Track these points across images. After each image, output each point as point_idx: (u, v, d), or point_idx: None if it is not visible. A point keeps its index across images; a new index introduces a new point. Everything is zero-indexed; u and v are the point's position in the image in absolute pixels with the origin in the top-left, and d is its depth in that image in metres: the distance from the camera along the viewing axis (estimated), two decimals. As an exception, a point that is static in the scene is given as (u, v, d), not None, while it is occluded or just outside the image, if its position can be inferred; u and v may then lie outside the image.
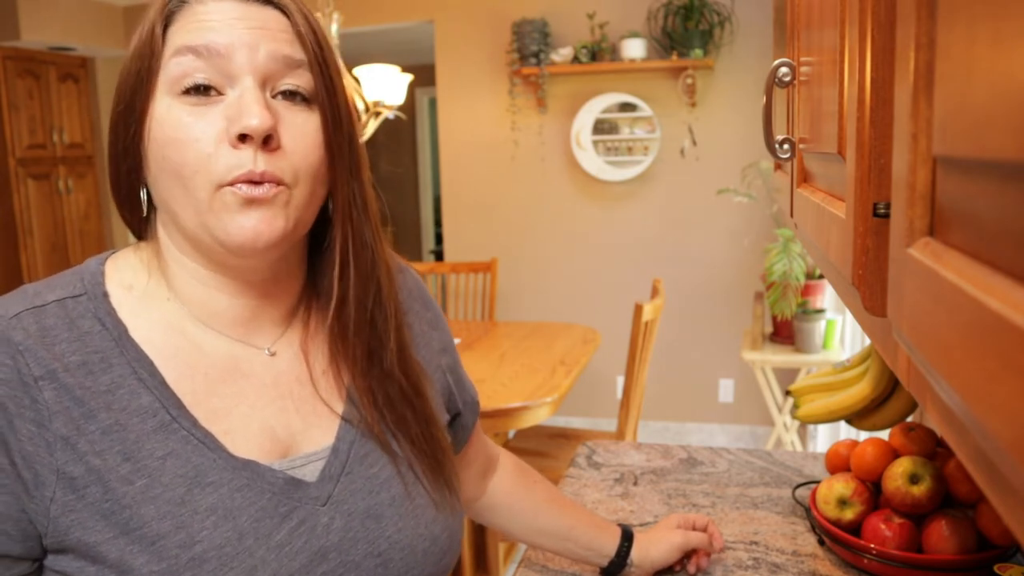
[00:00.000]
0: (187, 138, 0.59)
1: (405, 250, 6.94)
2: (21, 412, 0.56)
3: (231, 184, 0.59)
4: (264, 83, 0.61)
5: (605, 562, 0.96)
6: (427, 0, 3.78)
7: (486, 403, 2.04)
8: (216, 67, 0.59)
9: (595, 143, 3.58)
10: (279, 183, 0.60)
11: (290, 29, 0.62)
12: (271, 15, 0.62)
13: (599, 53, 3.49)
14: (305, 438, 0.67)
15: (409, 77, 2.81)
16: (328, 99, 0.63)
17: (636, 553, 0.97)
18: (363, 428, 0.69)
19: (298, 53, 0.62)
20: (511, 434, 2.87)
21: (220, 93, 0.60)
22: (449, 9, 3.76)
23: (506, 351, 2.59)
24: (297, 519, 0.63)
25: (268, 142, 0.59)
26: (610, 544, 0.96)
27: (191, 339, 0.65)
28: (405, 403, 0.71)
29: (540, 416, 2.08)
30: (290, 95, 0.62)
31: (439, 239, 6.85)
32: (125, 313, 0.63)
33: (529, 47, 3.52)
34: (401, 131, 6.67)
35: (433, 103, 6.45)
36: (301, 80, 0.62)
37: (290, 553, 0.62)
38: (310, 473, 0.66)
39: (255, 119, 0.58)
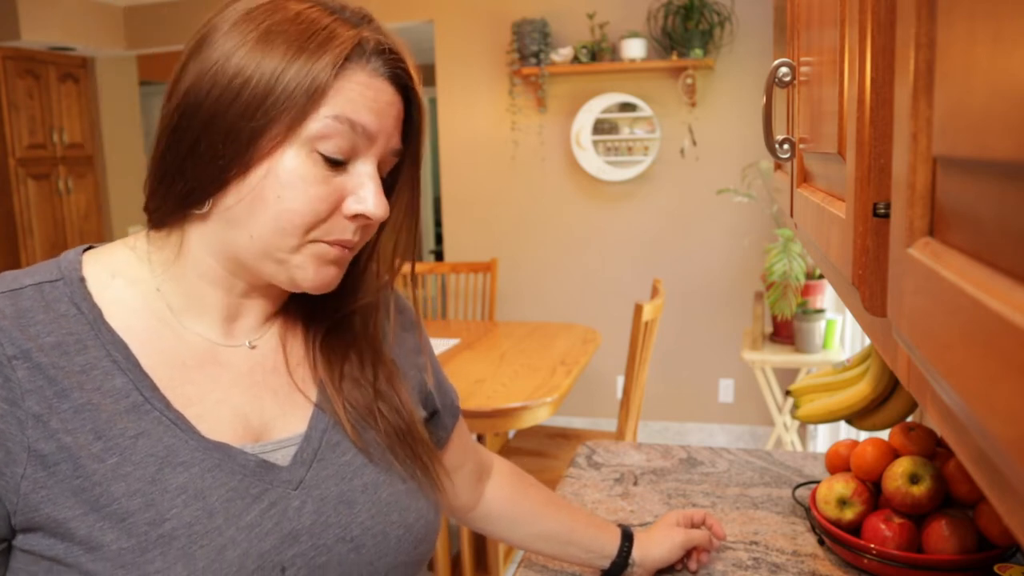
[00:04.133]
0: (310, 195, 0.62)
1: (405, 250, 6.93)
2: None
3: (328, 243, 0.64)
4: (379, 168, 0.66)
5: (607, 563, 0.96)
6: (427, 0, 3.78)
7: (486, 403, 2.04)
8: (357, 144, 0.63)
9: (595, 143, 3.57)
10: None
11: (402, 117, 0.67)
12: (399, 103, 0.66)
13: (599, 53, 3.49)
14: (278, 425, 0.69)
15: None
16: (410, 186, 0.71)
17: (637, 552, 0.96)
18: (336, 417, 0.71)
19: (399, 144, 0.67)
20: (511, 434, 2.87)
21: (345, 162, 0.63)
22: (449, 9, 3.75)
23: (506, 351, 2.59)
24: (268, 501, 0.64)
25: None
26: (611, 545, 0.96)
27: (172, 327, 0.66)
28: (377, 397, 0.74)
29: (540, 416, 2.08)
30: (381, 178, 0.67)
31: (439, 239, 6.84)
32: (105, 298, 0.64)
33: (529, 47, 3.52)
34: (401, 131, 6.66)
35: (433, 103, 6.42)
36: (392, 166, 0.69)
37: (260, 534, 0.62)
38: (282, 458, 0.67)
39: (378, 210, 0.64)
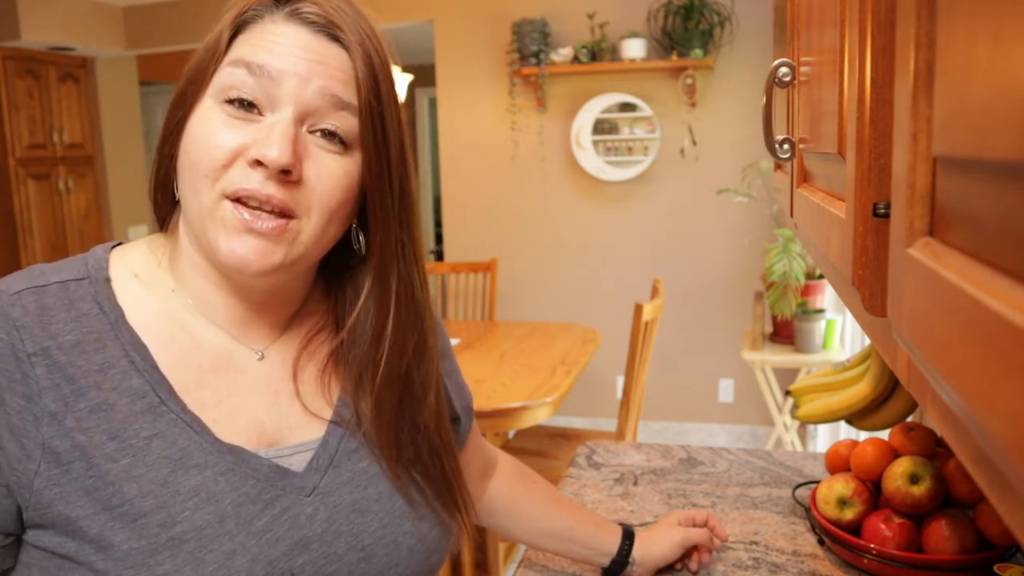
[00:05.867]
0: (211, 143, 0.60)
1: (405, 250, 6.93)
2: (12, 386, 0.57)
3: (233, 199, 0.60)
4: (304, 117, 0.61)
5: (607, 561, 0.96)
6: (427, 0, 3.78)
7: (486, 403, 2.04)
8: (263, 88, 0.60)
9: (595, 143, 3.57)
10: (289, 215, 0.61)
11: (350, 70, 0.63)
12: (334, 52, 0.62)
13: (599, 53, 3.49)
14: (295, 431, 0.68)
15: (409, 77, 2.81)
16: (373, 147, 0.64)
17: (638, 551, 0.97)
18: (353, 428, 0.70)
19: (349, 96, 0.62)
20: (511, 434, 2.87)
21: (261, 113, 0.61)
22: (449, 9, 3.75)
23: (506, 351, 2.59)
24: (280, 507, 0.64)
25: (287, 174, 0.60)
26: (611, 543, 0.96)
27: (188, 330, 0.66)
28: (429, 453, 0.72)
29: (540, 416, 2.08)
30: (328, 135, 0.62)
31: (439, 239, 6.84)
32: (127, 299, 0.64)
33: (529, 47, 3.52)
34: (401, 131, 6.65)
35: (433, 103, 6.44)
36: (343, 123, 0.63)
37: (271, 540, 0.62)
38: (297, 463, 0.67)
39: (275, 151, 0.58)
